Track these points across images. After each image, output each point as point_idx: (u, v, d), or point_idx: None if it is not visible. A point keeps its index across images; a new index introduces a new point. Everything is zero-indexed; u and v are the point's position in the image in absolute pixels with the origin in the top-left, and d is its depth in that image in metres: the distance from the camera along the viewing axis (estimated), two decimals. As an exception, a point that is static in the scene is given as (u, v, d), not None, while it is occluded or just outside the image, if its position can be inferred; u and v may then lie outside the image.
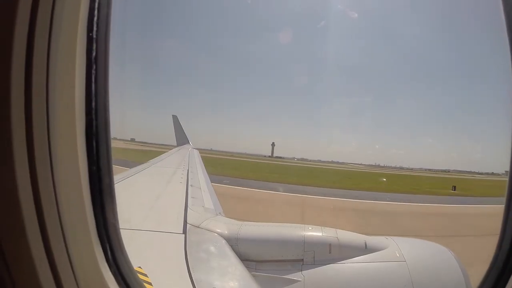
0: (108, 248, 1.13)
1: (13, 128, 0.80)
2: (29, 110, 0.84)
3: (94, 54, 1.02)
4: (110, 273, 1.13)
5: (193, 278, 2.06)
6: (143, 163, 7.61)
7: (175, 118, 22.72)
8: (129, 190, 4.51)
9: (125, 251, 1.26)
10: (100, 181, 1.08)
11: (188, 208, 3.65)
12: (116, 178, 4.77)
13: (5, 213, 0.82)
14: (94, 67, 1.02)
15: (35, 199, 0.87)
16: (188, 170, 6.86)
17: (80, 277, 1.02)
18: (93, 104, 1.03)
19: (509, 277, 1.15)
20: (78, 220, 1.02)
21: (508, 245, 1.19)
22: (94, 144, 1.04)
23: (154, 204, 3.77)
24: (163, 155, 10.79)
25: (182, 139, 21.11)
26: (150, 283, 1.85)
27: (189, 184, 5.26)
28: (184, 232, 2.86)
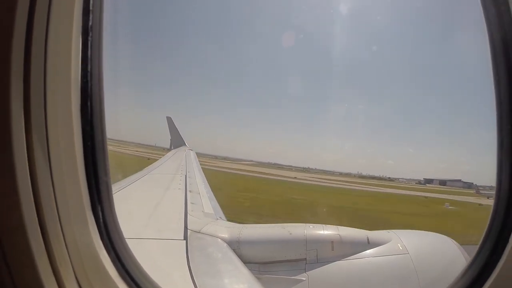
0: (101, 220, 1.18)
1: (13, 125, 0.85)
2: (27, 110, 0.89)
3: (89, 53, 1.08)
4: (100, 241, 1.17)
5: (196, 284, 2.04)
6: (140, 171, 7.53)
7: (169, 119, 22.19)
8: (128, 199, 4.47)
9: (118, 223, 1.30)
10: (94, 155, 1.12)
11: (188, 214, 3.63)
12: (114, 188, 4.71)
13: (6, 210, 0.87)
14: (89, 66, 1.09)
15: (30, 167, 0.91)
16: (186, 176, 6.82)
17: (74, 252, 1.05)
18: (89, 102, 1.10)
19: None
20: (72, 193, 1.05)
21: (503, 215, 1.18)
22: (89, 127, 1.11)
23: (153, 213, 3.74)
24: (160, 160, 10.69)
25: (177, 141, 20.91)
26: None
27: (188, 189, 5.23)
28: (185, 238, 2.83)
